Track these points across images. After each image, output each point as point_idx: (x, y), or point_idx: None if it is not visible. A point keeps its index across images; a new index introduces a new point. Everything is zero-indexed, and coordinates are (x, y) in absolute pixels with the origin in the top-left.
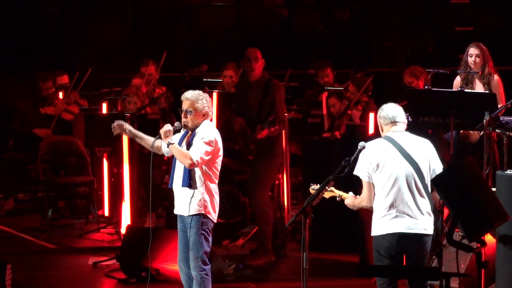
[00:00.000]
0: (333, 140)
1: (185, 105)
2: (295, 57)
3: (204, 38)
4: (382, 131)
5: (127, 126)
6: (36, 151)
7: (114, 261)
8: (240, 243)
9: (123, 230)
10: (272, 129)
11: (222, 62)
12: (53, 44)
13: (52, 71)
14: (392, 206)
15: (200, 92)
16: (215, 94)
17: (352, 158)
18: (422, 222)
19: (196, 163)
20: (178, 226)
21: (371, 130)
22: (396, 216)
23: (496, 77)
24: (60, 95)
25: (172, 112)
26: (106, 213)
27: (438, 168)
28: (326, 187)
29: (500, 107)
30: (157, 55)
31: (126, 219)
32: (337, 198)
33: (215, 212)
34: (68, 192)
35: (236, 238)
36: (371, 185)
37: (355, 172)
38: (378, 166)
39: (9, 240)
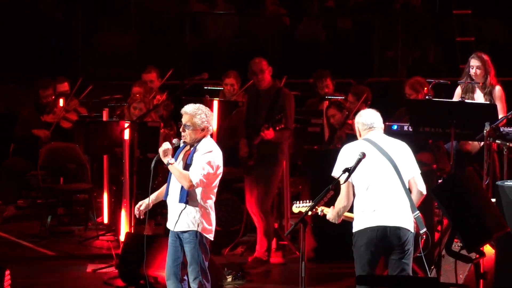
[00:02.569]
0: (333, 149)
1: (184, 119)
2: (297, 65)
3: (208, 46)
4: (360, 136)
5: (144, 205)
6: (36, 158)
7: (113, 268)
8: (239, 252)
9: (122, 238)
10: (277, 127)
11: (225, 70)
12: (57, 51)
13: (54, 78)
14: (371, 202)
15: (201, 106)
16: (215, 102)
17: (352, 167)
18: (400, 217)
19: (195, 185)
20: (170, 239)
21: None
22: (375, 211)
23: (498, 87)
24: (61, 102)
25: (172, 119)
26: (106, 220)
27: (414, 168)
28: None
29: (501, 118)
30: (161, 62)
31: (125, 227)
32: (319, 213)
33: (211, 228)
34: (67, 199)
35: (235, 247)
36: (350, 184)
37: (333, 174)
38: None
39: (8, 246)
